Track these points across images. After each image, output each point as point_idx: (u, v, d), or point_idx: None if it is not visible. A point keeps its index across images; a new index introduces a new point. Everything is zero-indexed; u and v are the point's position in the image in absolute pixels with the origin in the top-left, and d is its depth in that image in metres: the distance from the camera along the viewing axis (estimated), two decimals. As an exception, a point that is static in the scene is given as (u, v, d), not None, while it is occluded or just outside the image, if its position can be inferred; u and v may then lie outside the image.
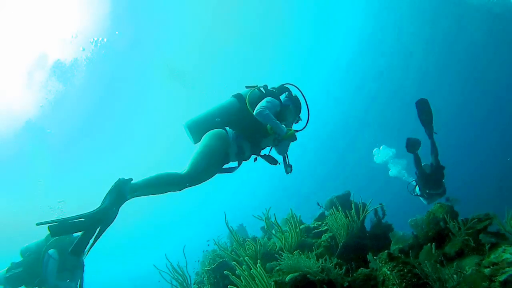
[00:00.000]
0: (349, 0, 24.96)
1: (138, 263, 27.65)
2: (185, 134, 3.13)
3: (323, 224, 4.07)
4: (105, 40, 21.53)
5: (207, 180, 2.99)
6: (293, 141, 3.13)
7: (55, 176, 23.84)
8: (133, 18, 24.07)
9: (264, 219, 5.39)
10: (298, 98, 3.47)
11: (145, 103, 28.35)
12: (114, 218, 2.39)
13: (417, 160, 6.34)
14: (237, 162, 3.16)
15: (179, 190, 2.75)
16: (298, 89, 3.40)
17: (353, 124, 31.41)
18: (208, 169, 2.82)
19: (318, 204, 4.58)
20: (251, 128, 3.00)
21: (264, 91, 3.24)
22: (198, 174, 2.72)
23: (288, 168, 3.38)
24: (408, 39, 25.77)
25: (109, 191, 2.38)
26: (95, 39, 19.54)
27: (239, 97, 3.16)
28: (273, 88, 3.38)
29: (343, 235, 3.27)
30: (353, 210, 3.41)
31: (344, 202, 4.23)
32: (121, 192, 2.39)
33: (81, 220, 2.24)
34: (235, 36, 27.09)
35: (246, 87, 3.29)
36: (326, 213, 4.39)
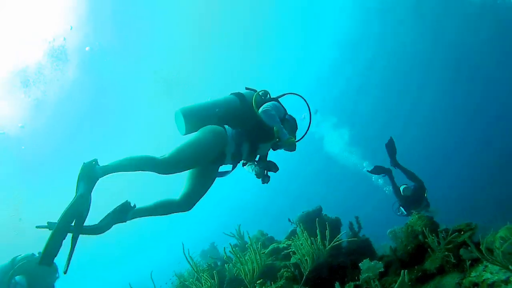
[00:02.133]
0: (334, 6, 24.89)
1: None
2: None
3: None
4: (87, 49, 21.00)
5: (208, 187, 2.80)
6: (290, 151, 2.84)
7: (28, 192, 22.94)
8: (116, 26, 23.56)
9: (236, 236, 5.12)
10: (294, 119, 3.26)
11: (128, 118, 27.66)
12: (89, 207, 2.13)
13: (396, 190, 6.47)
14: (231, 165, 2.93)
15: (159, 171, 2.45)
16: (303, 98, 3.18)
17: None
18: (192, 160, 2.51)
19: (289, 220, 4.26)
20: (253, 129, 2.80)
21: (263, 98, 3.02)
22: (179, 160, 2.43)
23: (266, 178, 3.16)
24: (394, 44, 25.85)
25: (78, 177, 2.14)
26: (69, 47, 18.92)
27: (240, 96, 2.93)
28: (273, 97, 3.14)
29: (309, 264, 2.92)
30: (318, 237, 3.05)
31: (314, 219, 3.91)
32: (92, 175, 2.16)
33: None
34: (222, 41, 26.89)
35: (246, 88, 3.07)
36: (298, 229, 4.06)
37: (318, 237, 3.05)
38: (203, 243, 6.23)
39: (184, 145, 2.50)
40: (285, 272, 3.08)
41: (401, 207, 6.57)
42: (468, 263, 3.09)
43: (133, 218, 2.42)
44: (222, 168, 2.98)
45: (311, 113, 3.28)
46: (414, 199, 6.23)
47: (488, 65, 24.31)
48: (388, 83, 28.03)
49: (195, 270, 3.70)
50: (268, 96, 3.07)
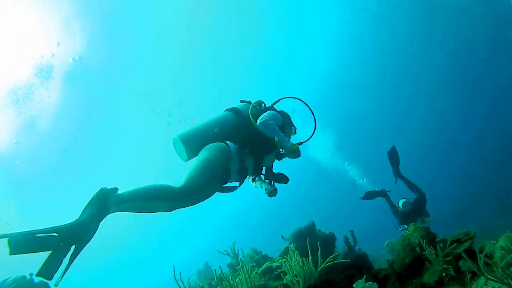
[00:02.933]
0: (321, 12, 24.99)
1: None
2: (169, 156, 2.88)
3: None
4: (70, 60, 20.81)
5: (204, 200, 2.54)
6: (296, 158, 2.82)
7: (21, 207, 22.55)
8: (103, 40, 23.40)
9: (230, 254, 4.95)
10: (288, 115, 3.22)
11: (116, 130, 27.40)
12: (93, 235, 1.95)
13: (393, 208, 6.37)
14: (238, 181, 2.82)
15: (170, 209, 2.30)
16: (302, 100, 3.15)
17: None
18: (207, 185, 2.41)
19: (283, 237, 4.11)
20: (255, 142, 2.73)
21: (259, 108, 2.98)
22: (195, 189, 2.31)
23: (274, 192, 3.00)
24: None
25: (89, 202, 1.97)
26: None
27: (235, 110, 2.87)
28: (268, 106, 3.10)
29: (300, 285, 2.77)
30: (310, 258, 2.89)
31: (307, 235, 3.77)
32: (104, 204, 1.97)
33: (53, 235, 1.78)
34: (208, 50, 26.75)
35: (241, 101, 3.02)
36: (291, 246, 3.91)
37: (310, 258, 2.89)
38: (199, 262, 6.05)
39: (196, 170, 2.38)
40: (274, 299, 2.92)
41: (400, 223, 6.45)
42: (468, 275, 2.96)
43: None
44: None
45: (315, 116, 3.22)
46: (414, 212, 6.12)
47: (477, 69, 24.53)
48: (378, 84, 28.13)
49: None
50: (263, 105, 3.01)
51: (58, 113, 23.24)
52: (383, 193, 6.63)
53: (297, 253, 2.98)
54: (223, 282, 3.03)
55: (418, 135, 28.52)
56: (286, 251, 4.03)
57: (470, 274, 2.99)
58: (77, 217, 1.93)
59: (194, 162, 2.48)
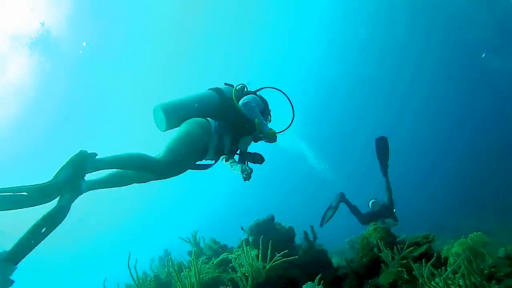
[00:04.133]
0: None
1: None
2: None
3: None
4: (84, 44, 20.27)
5: (177, 175, 2.51)
6: (271, 142, 2.88)
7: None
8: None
9: (191, 242, 4.85)
10: (267, 102, 3.24)
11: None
12: (68, 206, 1.88)
13: (353, 209, 6.34)
14: (213, 159, 2.83)
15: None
16: (283, 93, 3.18)
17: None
18: (186, 158, 2.38)
19: (242, 229, 4.02)
20: (235, 122, 2.76)
21: (241, 92, 3.00)
22: (174, 162, 2.26)
23: (251, 172, 2.97)
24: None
25: (66, 163, 1.88)
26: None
27: (218, 90, 2.88)
28: (250, 91, 3.10)
29: (249, 282, 2.67)
30: (260, 256, 2.79)
31: (265, 229, 3.69)
32: (82, 166, 1.91)
33: (22, 194, 1.72)
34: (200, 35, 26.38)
35: (225, 84, 3.05)
36: (250, 239, 3.82)
37: (260, 256, 2.79)
38: (162, 248, 5.94)
39: (175, 141, 2.35)
40: (227, 288, 2.83)
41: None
42: (420, 280, 2.91)
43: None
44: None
45: (293, 107, 3.24)
46: (379, 215, 6.14)
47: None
48: (367, 84, 28.27)
49: (137, 284, 3.43)
50: (246, 89, 3.02)
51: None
52: (342, 197, 6.51)
53: (248, 249, 2.88)
54: (173, 275, 2.92)
55: (409, 135, 28.91)
56: (244, 243, 3.94)
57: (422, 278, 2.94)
58: (51, 178, 1.85)
59: (174, 134, 2.44)
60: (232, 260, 2.87)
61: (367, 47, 25.92)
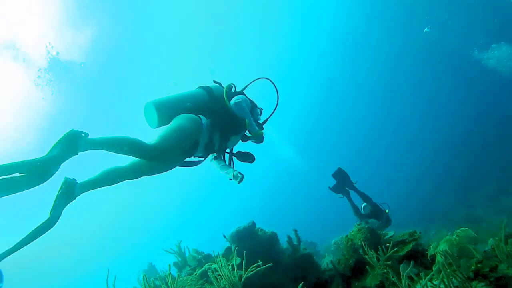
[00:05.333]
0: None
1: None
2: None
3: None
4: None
5: (166, 168, 2.53)
6: (259, 143, 2.96)
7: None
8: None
9: (176, 253, 4.69)
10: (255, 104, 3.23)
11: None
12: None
13: (356, 210, 6.43)
14: (203, 156, 2.86)
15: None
16: (272, 82, 3.19)
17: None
18: (176, 147, 2.39)
19: (224, 237, 3.89)
20: (225, 120, 2.78)
21: (229, 92, 3.00)
22: (166, 150, 2.30)
23: (239, 177, 2.89)
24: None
25: (58, 141, 1.90)
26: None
27: (207, 89, 2.90)
28: (238, 91, 3.13)
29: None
30: (236, 267, 2.66)
31: (246, 236, 3.56)
32: (74, 142, 1.93)
33: (15, 176, 1.75)
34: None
35: (214, 81, 3.06)
36: (232, 247, 3.69)
37: (235, 267, 2.66)
38: (145, 261, 5.79)
39: (168, 132, 2.37)
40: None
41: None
42: (406, 281, 2.82)
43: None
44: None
45: (279, 98, 3.26)
46: (373, 216, 6.14)
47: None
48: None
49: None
50: (234, 89, 3.03)
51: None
52: (347, 193, 6.57)
53: (223, 261, 2.74)
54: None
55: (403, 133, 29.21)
56: (227, 251, 3.82)
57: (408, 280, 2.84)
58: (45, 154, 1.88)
59: (166, 127, 2.46)
60: (209, 273, 2.73)
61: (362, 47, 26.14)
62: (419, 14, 20.68)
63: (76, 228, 27.03)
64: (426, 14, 20.36)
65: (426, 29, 20.71)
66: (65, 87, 19.65)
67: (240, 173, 2.84)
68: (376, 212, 6.14)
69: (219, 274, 2.79)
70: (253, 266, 2.65)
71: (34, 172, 1.80)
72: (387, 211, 6.13)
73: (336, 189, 6.63)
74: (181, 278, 3.66)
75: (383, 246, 3.25)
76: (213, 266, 3.58)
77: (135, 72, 25.42)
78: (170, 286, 2.84)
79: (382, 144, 29.92)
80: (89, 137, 2.04)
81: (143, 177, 2.41)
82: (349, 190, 6.53)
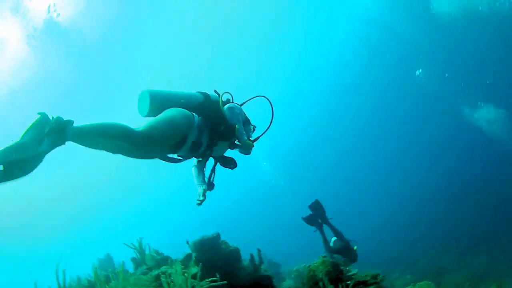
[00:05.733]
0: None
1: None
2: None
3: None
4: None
5: (147, 157, 2.52)
6: (246, 154, 2.95)
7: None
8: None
9: (135, 249, 4.56)
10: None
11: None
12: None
13: (326, 244, 6.36)
14: (188, 154, 2.77)
15: (119, 151, 2.25)
16: (270, 102, 3.22)
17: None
18: (163, 139, 2.34)
19: (187, 242, 3.78)
20: (216, 123, 2.77)
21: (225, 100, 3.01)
22: (154, 138, 2.23)
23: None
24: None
25: (48, 132, 1.76)
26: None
27: (205, 94, 2.90)
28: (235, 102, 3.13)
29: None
30: (189, 276, 2.57)
31: (209, 247, 3.47)
32: (63, 135, 1.82)
33: None
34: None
35: (215, 91, 3.05)
36: (193, 255, 3.58)
37: (190, 278, 2.57)
38: (101, 248, 5.61)
39: (158, 120, 2.35)
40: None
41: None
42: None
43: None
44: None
45: (273, 115, 3.23)
46: (341, 252, 6.15)
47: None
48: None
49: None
50: (232, 99, 3.06)
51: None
52: (320, 226, 6.60)
53: (180, 266, 2.65)
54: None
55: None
56: (187, 258, 3.71)
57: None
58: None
59: (157, 116, 2.43)
60: (162, 277, 2.63)
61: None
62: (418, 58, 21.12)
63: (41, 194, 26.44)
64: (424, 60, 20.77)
65: (418, 72, 21.18)
66: (57, 53, 19.08)
67: (203, 197, 2.87)
68: (346, 248, 6.12)
69: (172, 281, 2.69)
70: (207, 280, 2.56)
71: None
72: (355, 248, 6.13)
73: (309, 220, 6.65)
74: (135, 276, 3.55)
75: (344, 283, 3.20)
76: (170, 270, 3.47)
77: (131, 58, 25.16)
78: (121, 281, 2.72)
79: (362, 173, 30.15)
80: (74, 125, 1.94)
81: (119, 154, 2.35)
82: (323, 223, 6.52)
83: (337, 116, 29.43)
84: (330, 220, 6.55)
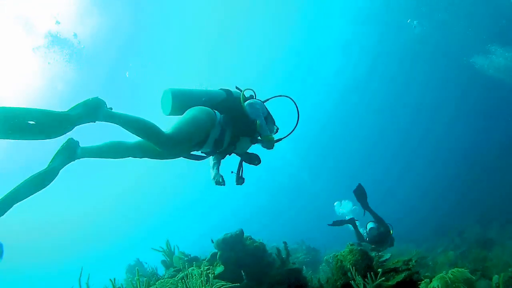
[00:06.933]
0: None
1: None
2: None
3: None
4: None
5: (173, 157, 2.60)
6: (268, 148, 2.91)
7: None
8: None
9: (163, 251, 4.62)
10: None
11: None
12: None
13: (359, 236, 6.17)
14: (211, 151, 2.81)
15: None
16: (293, 101, 3.19)
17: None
18: (188, 139, 2.40)
19: (212, 242, 3.78)
20: (237, 119, 2.77)
21: (248, 96, 3.04)
22: (180, 140, 2.31)
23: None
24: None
25: (82, 103, 1.96)
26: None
27: (227, 91, 2.93)
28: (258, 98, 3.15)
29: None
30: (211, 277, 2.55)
31: (233, 244, 3.44)
32: (95, 110, 1.99)
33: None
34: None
35: (236, 87, 3.08)
36: (219, 253, 3.58)
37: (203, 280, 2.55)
38: (131, 253, 5.75)
39: (183, 122, 2.39)
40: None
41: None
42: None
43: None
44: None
45: (299, 120, 3.17)
46: (379, 239, 5.92)
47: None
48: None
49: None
50: (254, 96, 3.08)
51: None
52: (352, 221, 6.38)
53: (191, 271, 2.65)
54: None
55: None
56: (213, 257, 3.72)
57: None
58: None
59: (181, 117, 2.46)
60: (179, 283, 2.64)
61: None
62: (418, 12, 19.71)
63: (68, 212, 27.58)
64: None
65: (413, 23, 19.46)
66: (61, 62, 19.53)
67: (222, 179, 2.88)
68: (385, 234, 5.88)
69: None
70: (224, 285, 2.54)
71: (48, 124, 1.82)
72: (391, 232, 5.90)
73: (337, 223, 6.48)
74: (162, 280, 3.61)
75: (372, 272, 3.08)
76: (195, 271, 3.50)
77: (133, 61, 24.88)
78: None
79: (393, 152, 29.25)
80: (110, 109, 2.08)
81: (146, 158, 2.43)
82: (364, 209, 6.27)
83: (353, 104, 28.45)
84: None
